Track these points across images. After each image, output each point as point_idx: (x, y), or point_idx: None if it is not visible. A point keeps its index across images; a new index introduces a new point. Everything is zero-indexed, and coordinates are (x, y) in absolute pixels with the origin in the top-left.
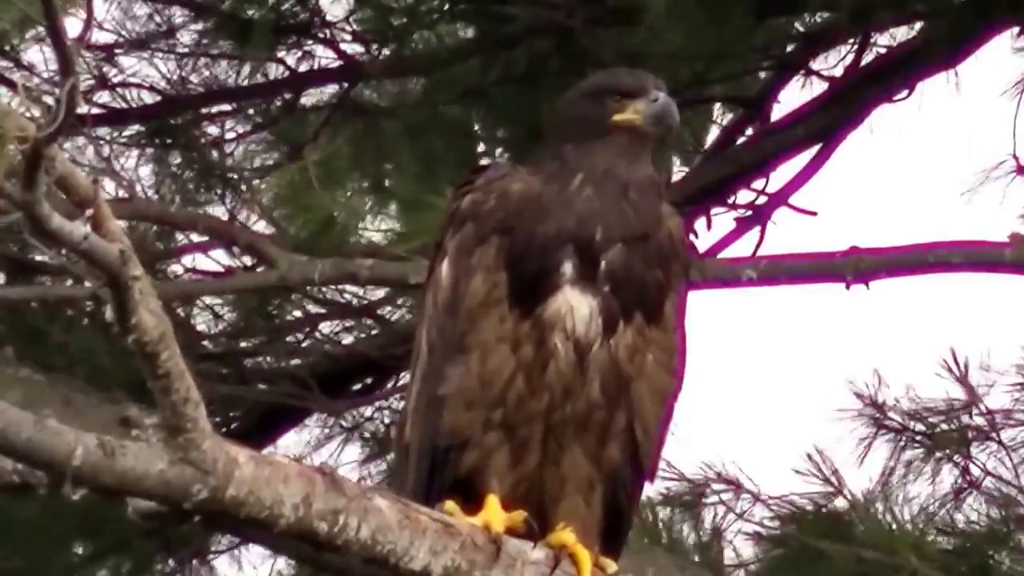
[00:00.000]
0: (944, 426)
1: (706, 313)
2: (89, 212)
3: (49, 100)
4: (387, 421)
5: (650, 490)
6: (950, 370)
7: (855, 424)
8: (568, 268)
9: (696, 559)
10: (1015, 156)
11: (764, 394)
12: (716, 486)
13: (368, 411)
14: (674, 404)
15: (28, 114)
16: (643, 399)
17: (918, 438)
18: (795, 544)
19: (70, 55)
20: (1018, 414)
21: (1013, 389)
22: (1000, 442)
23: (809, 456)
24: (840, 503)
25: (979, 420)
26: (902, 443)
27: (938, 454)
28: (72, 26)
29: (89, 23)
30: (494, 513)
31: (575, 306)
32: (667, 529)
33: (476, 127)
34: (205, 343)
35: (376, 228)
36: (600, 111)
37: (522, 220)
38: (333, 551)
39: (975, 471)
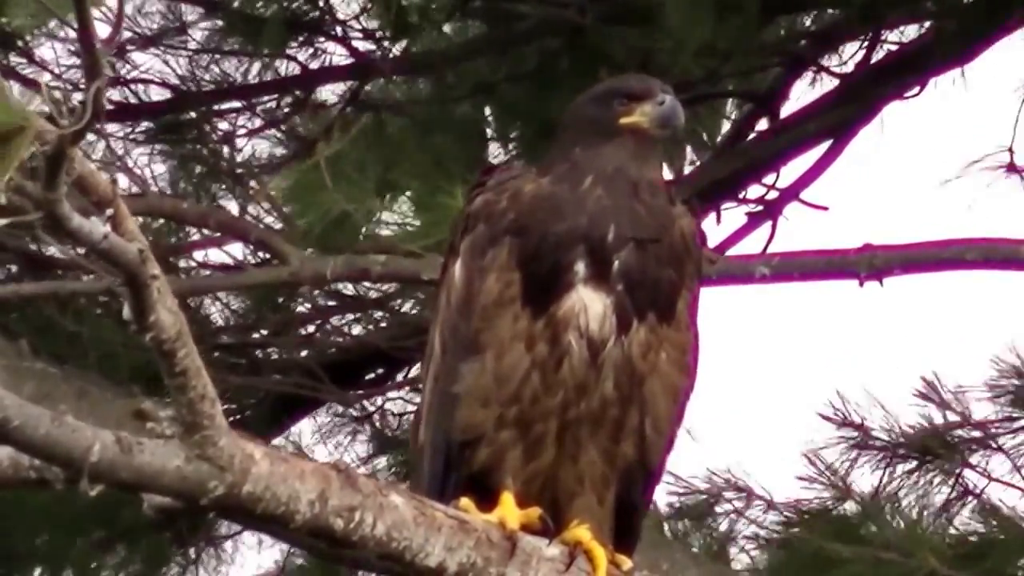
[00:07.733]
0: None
1: (716, 308)
2: (109, 212)
3: (60, 96)
4: (396, 412)
5: (661, 502)
6: (927, 397)
7: (844, 439)
8: (581, 267)
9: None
10: (1011, 151)
11: (771, 392)
12: (728, 494)
13: (379, 401)
14: (687, 402)
15: (47, 111)
16: (656, 396)
17: (901, 452)
18: (808, 548)
19: (99, 57)
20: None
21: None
22: (1000, 448)
23: (810, 460)
24: (850, 506)
25: (975, 432)
26: (888, 460)
27: (930, 467)
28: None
29: (119, 24)
30: (509, 510)
31: (589, 304)
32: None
33: (486, 125)
34: (217, 334)
35: (387, 224)
36: (608, 114)
37: (534, 220)
38: (349, 547)
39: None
